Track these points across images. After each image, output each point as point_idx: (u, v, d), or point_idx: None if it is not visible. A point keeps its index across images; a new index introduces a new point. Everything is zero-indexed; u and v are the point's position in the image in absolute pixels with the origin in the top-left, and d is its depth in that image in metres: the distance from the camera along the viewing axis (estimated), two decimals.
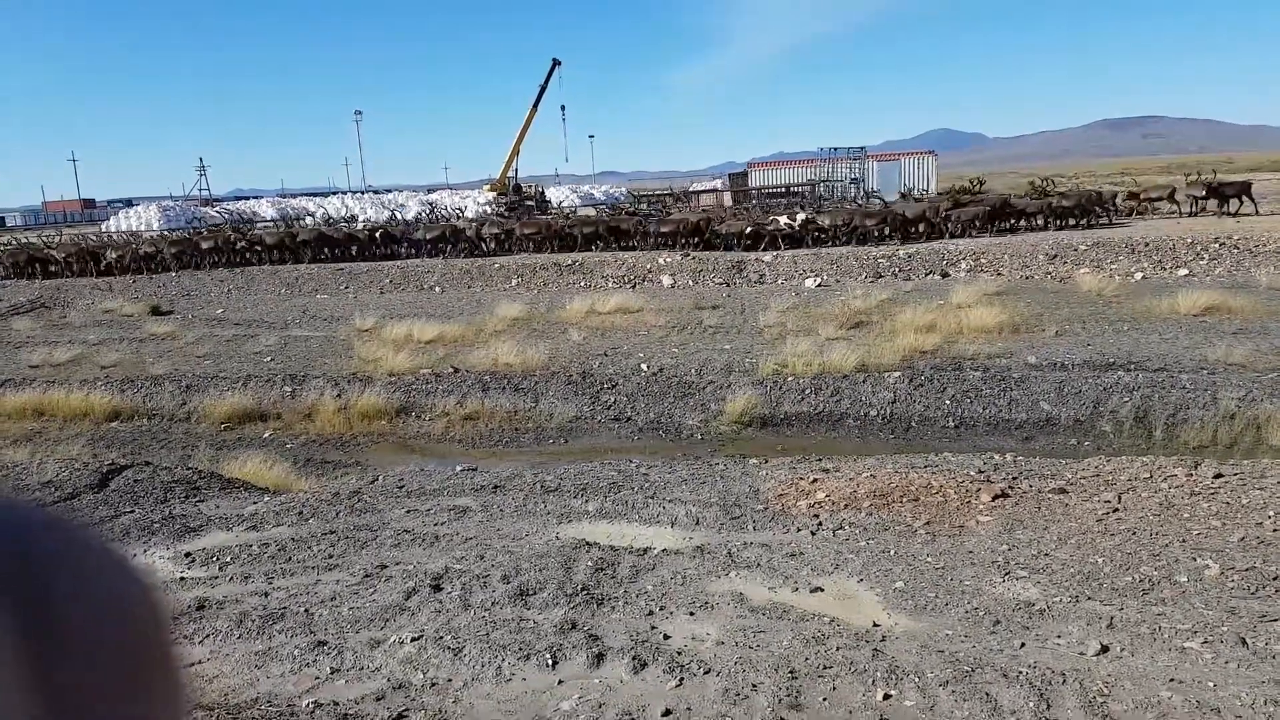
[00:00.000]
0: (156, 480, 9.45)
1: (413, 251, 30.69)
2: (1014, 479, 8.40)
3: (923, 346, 15.67)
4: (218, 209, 66.44)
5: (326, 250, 31.30)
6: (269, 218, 56.65)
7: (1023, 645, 5.17)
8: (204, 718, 4.52)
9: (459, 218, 39.78)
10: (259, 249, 31.81)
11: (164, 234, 40.87)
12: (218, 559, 7.09)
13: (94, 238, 40.71)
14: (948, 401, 13.53)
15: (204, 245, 31.54)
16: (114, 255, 31.64)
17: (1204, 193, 28.59)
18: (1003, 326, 16.68)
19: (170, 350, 19.56)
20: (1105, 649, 5.07)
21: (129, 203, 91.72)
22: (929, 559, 6.53)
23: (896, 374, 14.28)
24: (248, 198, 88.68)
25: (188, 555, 7.24)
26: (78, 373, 17.48)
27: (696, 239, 28.03)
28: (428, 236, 31.11)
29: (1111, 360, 14.27)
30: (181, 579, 6.73)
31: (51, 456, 11.02)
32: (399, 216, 45.02)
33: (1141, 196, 30.36)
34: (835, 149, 48.63)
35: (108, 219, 64.64)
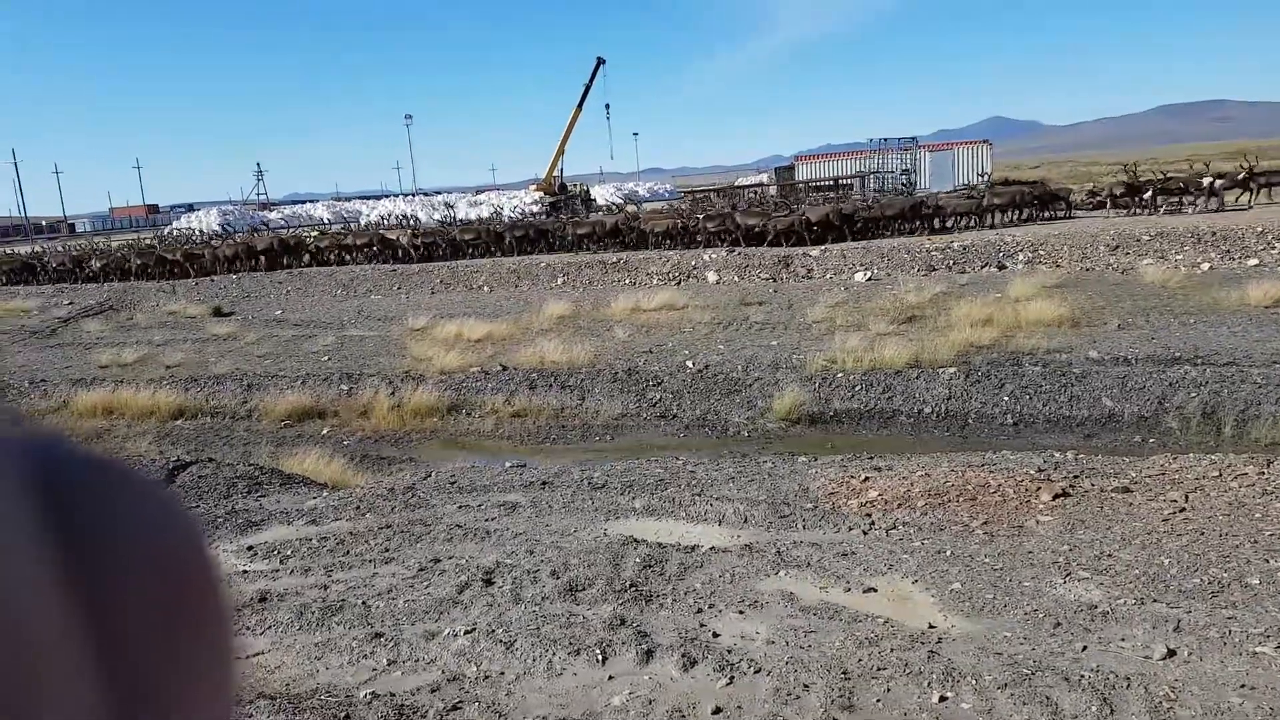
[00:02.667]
0: (220, 476, 9.74)
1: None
2: (1075, 477, 8.19)
3: (979, 341, 15.34)
4: (276, 212, 68.09)
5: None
6: (324, 220, 57.85)
7: (1085, 648, 5.04)
8: (267, 707, 4.64)
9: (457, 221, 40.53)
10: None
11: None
12: (279, 552, 7.28)
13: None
14: (1005, 398, 13.24)
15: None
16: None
17: (1241, 177, 27.49)
18: (1062, 320, 16.20)
19: (232, 350, 20.10)
20: (1172, 653, 4.92)
21: (190, 207, 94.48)
22: (986, 559, 6.41)
23: (952, 370, 14.02)
24: (304, 201, 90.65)
25: (250, 549, 7.44)
26: (144, 372, 18.07)
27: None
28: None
29: (1177, 354, 13.79)
30: (244, 572, 6.93)
31: (121, 453, 11.41)
32: (452, 217, 45.62)
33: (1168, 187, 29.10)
34: (885, 140, 47.77)
35: (171, 223, 66.67)
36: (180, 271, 32.51)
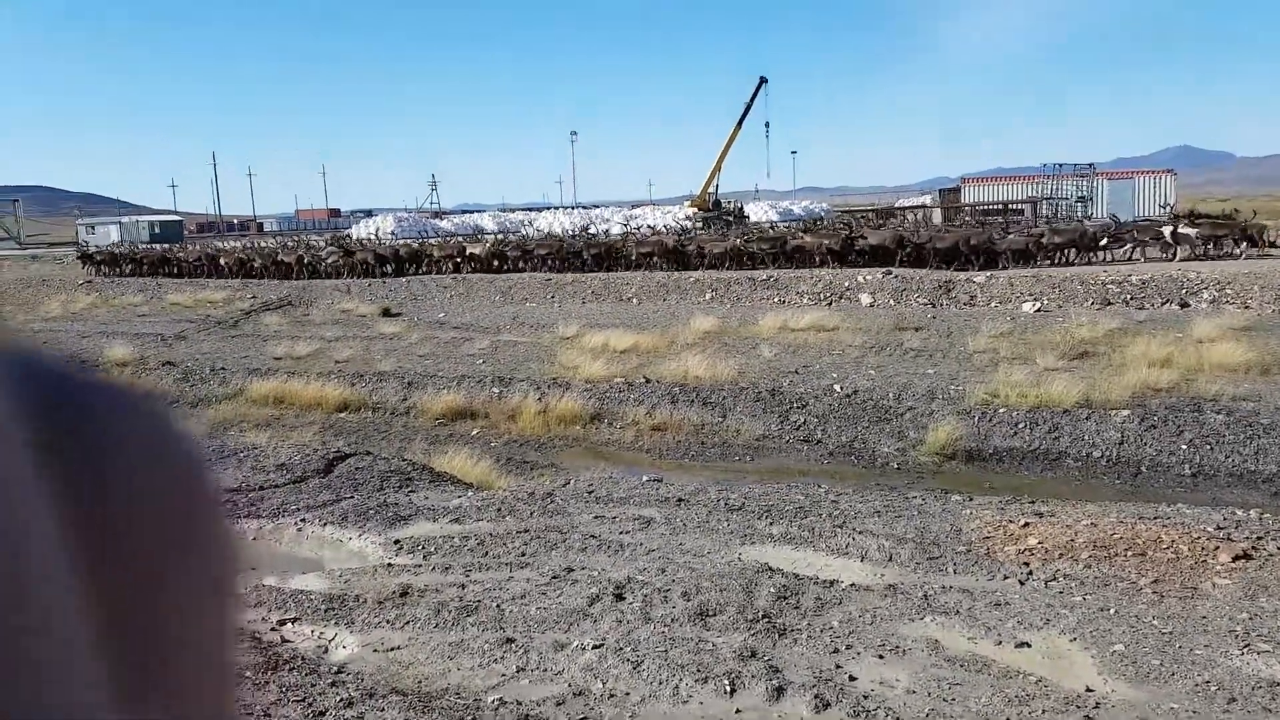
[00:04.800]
0: (375, 469, 10.25)
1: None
2: (1259, 538, 7.35)
3: (1156, 383, 14.15)
4: (447, 221, 71.86)
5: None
6: (491, 230, 60.57)
7: None
8: (398, 703, 4.79)
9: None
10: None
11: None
12: (423, 548, 7.56)
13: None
14: (1184, 446, 12.10)
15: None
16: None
17: None
18: (1251, 365, 14.79)
19: (396, 349, 21.27)
20: None
21: (369, 213, 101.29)
22: (1155, 622, 5.82)
23: (1125, 412, 12.94)
24: (472, 211, 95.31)
25: (397, 542, 7.77)
26: (315, 366, 19.40)
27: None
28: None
29: None
30: (389, 565, 7.23)
31: (286, 441, 12.26)
32: (605, 231, 46.71)
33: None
34: (1060, 165, 45.14)
35: (350, 226, 71.65)
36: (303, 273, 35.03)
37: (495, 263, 32.83)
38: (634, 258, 30.85)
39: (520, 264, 32.55)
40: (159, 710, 0.33)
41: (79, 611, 0.29)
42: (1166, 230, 26.72)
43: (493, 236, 43.78)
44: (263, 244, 44.23)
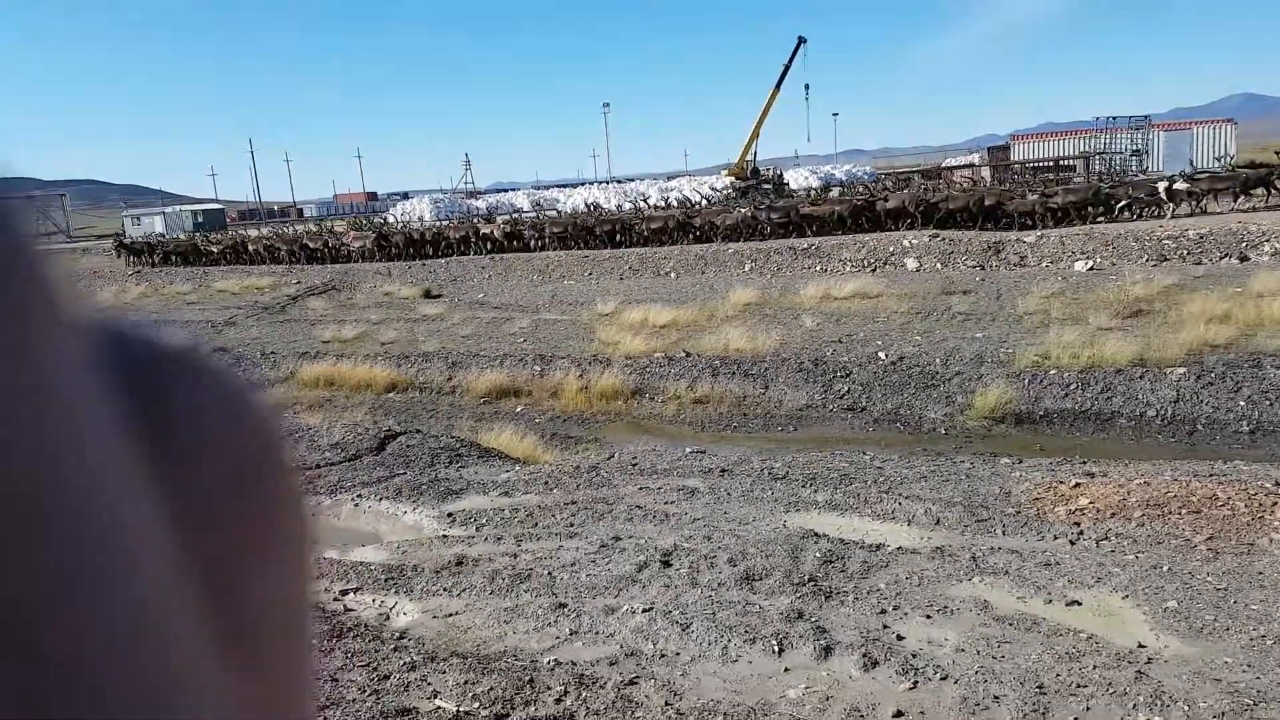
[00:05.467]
0: (425, 446, 10.49)
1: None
2: None
3: (1214, 340, 13.77)
4: (481, 200, 72.27)
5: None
6: (525, 208, 60.75)
7: None
8: (459, 665, 4.96)
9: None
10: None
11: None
12: (475, 520, 7.75)
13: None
14: (1242, 403, 11.81)
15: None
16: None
17: None
18: None
19: (439, 330, 21.57)
20: None
21: (405, 195, 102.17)
22: (1209, 578, 5.76)
23: (1181, 370, 12.65)
24: (507, 189, 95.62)
25: (449, 515, 7.97)
26: (362, 348, 19.78)
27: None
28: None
29: None
30: (444, 536, 7.43)
31: (339, 422, 12.57)
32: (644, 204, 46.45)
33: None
34: (1114, 118, 43.73)
35: (388, 210, 72.42)
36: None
37: (508, 242, 33.09)
38: (645, 234, 30.81)
39: (532, 243, 32.68)
40: (247, 676, 0.33)
41: (179, 581, 0.29)
42: (1161, 187, 25.99)
43: (507, 216, 43.95)
44: (286, 230, 45.05)
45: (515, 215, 43.47)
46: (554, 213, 46.54)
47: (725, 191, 50.68)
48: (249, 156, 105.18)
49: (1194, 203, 25.09)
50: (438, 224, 39.58)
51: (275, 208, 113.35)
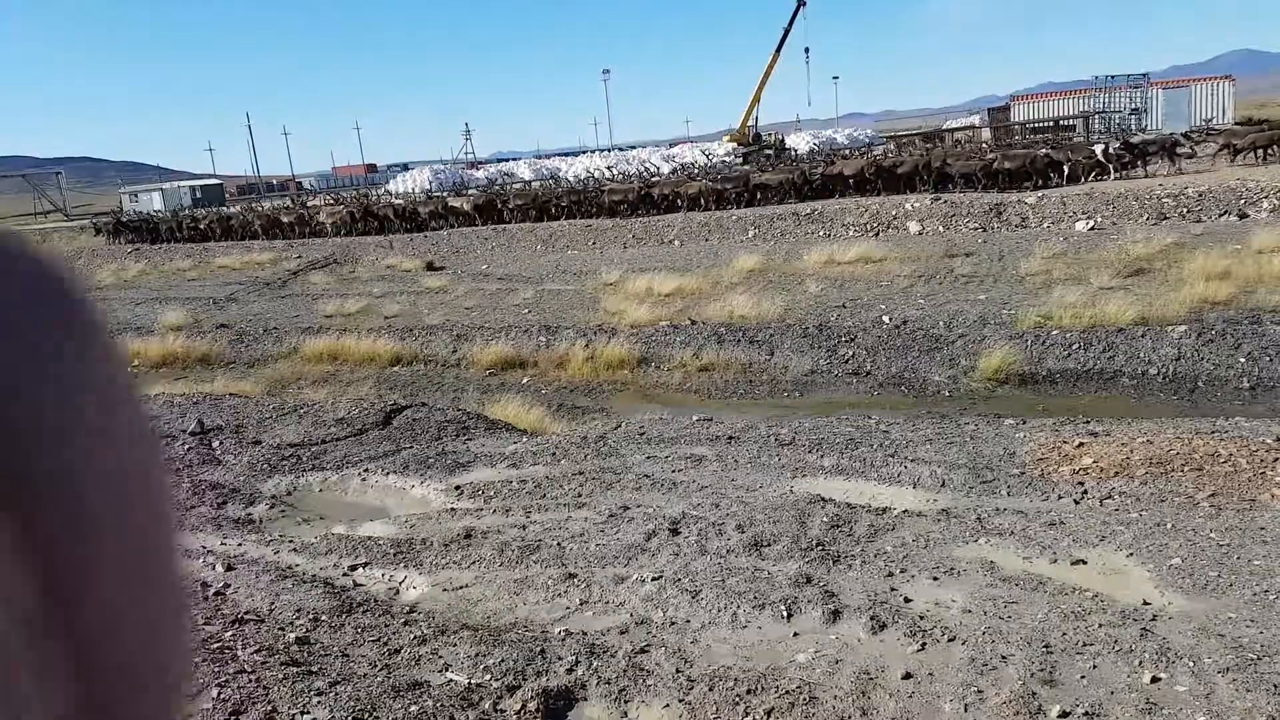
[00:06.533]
0: (431, 420, 10.53)
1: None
2: None
3: (1214, 297, 13.80)
4: (482, 171, 71.69)
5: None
6: (526, 178, 60.29)
7: None
8: (470, 638, 5.03)
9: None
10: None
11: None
12: (483, 493, 7.81)
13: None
14: (1243, 359, 11.81)
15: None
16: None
17: None
18: None
19: (443, 302, 21.55)
20: None
21: (405, 166, 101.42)
22: (1212, 535, 5.81)
23: (1182, 328, 12.64)
24: (507, 159, 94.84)
25: (457, 488, 8.03)
26: (365, 322, 19.77)
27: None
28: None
29: None
30: (452, 510, 7.49)
31: (344, 396, 12.61)
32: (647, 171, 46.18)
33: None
34: (1112, 77, 43.24)
35: (388, 182, 71.94)
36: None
37: (479, 216, 33.61)
38: (606, 205, 31.49)
39: (503, 216, 33.27)
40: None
41: None
42: (1098, 149, 26.41)
43: (478, 190, 44.15)
44: (261, 207, 45.46)
45: (490, 188, 43.63)
46: (551, 183, 46.39)
47: (729, 157, 50.32)
48: (246, 130, 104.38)
49: (1131, 165, 25.64)
50: (411, 199, 39.98)
51: (274, 181, 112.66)
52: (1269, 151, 25.69)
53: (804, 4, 55.10)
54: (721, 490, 7.39)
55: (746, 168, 35.75)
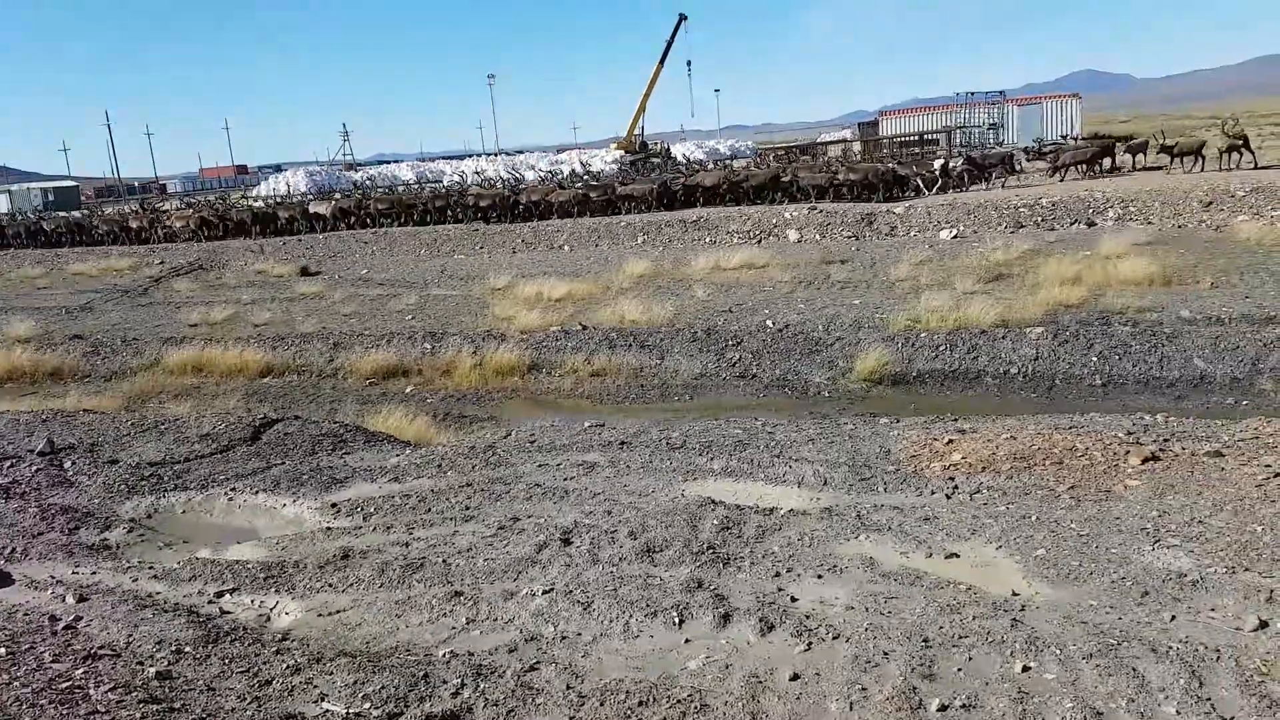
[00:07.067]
0: (305, 433, 10.05)
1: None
2: (1165, 441, 7.83)
3: (1068, 300, 14.86)
4: (361, 173, 69.48)
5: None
6: (408, 180, 58.82)
7: (1173, 618, 4.83)
8: (346, 665, 4.78)
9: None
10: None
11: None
12: (362, 509, 7.49)
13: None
14: (1094, 358, 12.71)
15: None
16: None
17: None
18: (1154, 279, 15.67)
19: (318, 309, 20.71)
20: (1264, 624, 4.68)
21: (278, 168, 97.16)
22: (1073, 525, 6.18)
23: (1039, 329, 13.49)
24: (389, 162, 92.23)
25: (334, 506, 7.68)
26: (233, 331, 18.78)
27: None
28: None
29: (1273, 314, 13.20)
30: (328, 529, 7.15)
31: (209, 410, 11.90)
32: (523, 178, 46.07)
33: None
34: (972, 94, 45.96)
35: (259, 184, 68.75)
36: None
37: (342, 220, 33.18)
38: (471, 211, 31.69)
39: (365, 221, 33.04)
40: None
41: None
42: (938, 164, 28.97)
43: (340, 194, 43.56)
44: (103, 211, 44.04)
45: (358, 193, 43.13)
46: (417, 187, 46.05)
47: (616, 164, 50.66)
48: (105, 130, 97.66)
49: (963, 181, 27.91)
50: (269, 204, 39.07)
51: (135, 184, 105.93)
52: (1090, 166, 28.05)
53: (685, 18, 56.23)
54: (614, 497, 7.35)
55: (612, 177, 37.10)
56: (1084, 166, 28.13)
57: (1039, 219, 21.94)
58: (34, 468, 8.80)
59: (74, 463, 9.06)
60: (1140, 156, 29.32)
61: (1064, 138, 40.73)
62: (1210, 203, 20.59)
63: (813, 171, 30.64)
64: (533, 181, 40.86)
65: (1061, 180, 27.29)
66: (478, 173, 50.32)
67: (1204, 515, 6.14)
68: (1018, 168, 30.43)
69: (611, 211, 29.81)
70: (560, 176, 42.46)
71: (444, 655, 4.91)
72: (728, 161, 51.47)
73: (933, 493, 7.04)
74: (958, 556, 5.88)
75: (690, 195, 29.93)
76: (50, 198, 72.95)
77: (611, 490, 7.56)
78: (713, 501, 7.05)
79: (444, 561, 6.19)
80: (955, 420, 9.65)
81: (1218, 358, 12.23)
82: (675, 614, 5.18)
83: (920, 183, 27.37)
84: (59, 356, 17.42)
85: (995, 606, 5.08)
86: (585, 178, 39.70)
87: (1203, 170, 25.73)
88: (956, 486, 7.12)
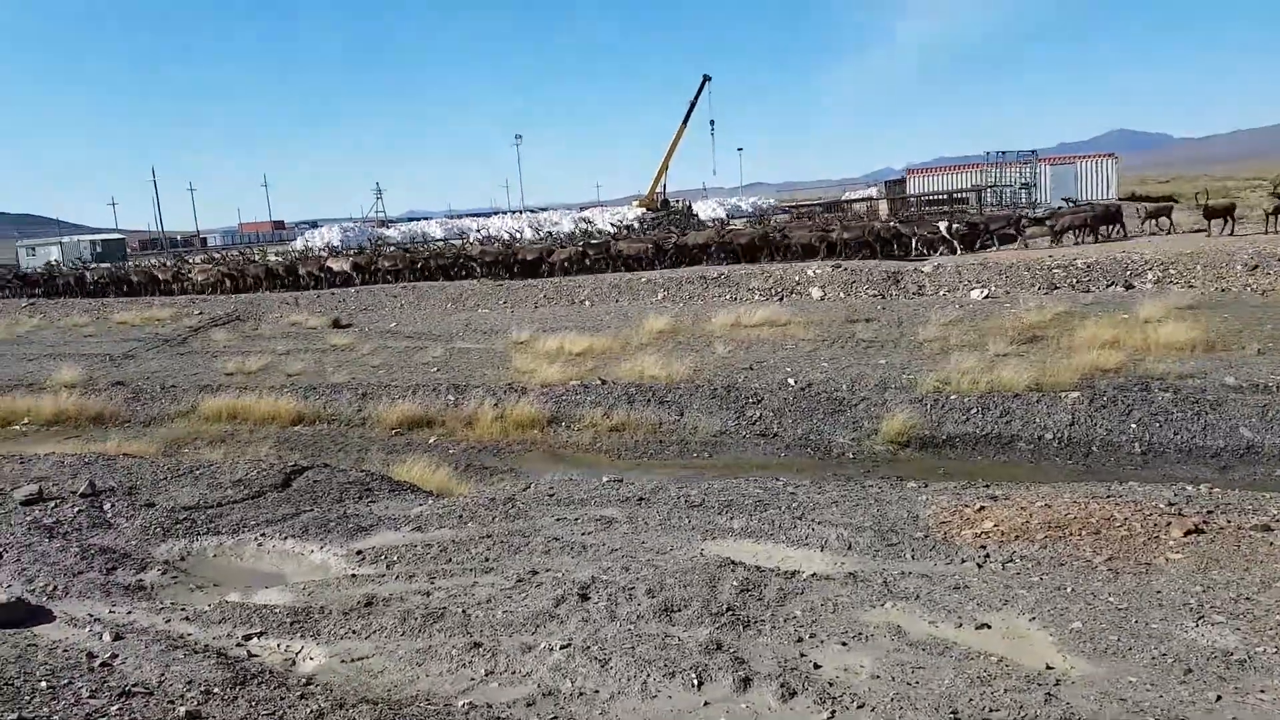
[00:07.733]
0: (334, 481, 10.10)
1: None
2: (1209, 513, 7.57)
3: (1105, 364, 14.56)
4: (394, 229, 70.94)
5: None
6: (438, 237, 59.97)
7: (1219, 698, 4.63)
8: (368, 712, 4.73)
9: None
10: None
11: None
12: (385, 558, 7.49)
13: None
14: (1133, 425, 12.47)
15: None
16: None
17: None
18: (1195, 344, 15.20)
19: (348, 360, 20.96)
20: None
21: (314, 224, 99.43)
22: (1110, 598, 5.98)
23: (1075, 394, 13.29)
24: (419, 219, 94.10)
25: (359, 553, 7.68)
26: (267, 380, 19.03)
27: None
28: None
29: None
30: (352, 576, 7.14)
31: (243, 457, 12.01)
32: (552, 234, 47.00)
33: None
34: (1003, 153, 46.13)
35: (295, 239, 70.34)
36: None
37: (356, 275, 34.39)
38: (480, 267, 32.88)
39: (382, 277, 34.12)
40: None
41: None
42: (942, 226, 28.95)
43: (354, 250, 45.43)
44: (139, 264, 46.98)
45: (376, 249, 45.02)
46: (422, 245, 48.02)
47: (638, 221, 51.40)
48: (151, 185, 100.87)
49: (974, 242, 28.02)
50: (294, 259, 40.76)
51: (178, 237, 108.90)
52: (1090, 232, 27.92)
53: (709, 79, 57.55)
54: (632, 553, 7.28)
55: (611, 236, 38.19)
56: (1082, 231, 27.89)
57: (1074, 280, 21.74)
58: (76, 509, 8.96)
59: (113, 505, 9.20)
60: (1165, 220, 29.09)
61: (1083, 201, 40.64)
62: (1255, 266, 20.24)
63: (806, 230, 31.14)
64: (528, 241, 42.42)
65: (1059, 245, 27.24)
66: (509, 232, 51.72)
67: (1251, 592, 5.91)
68: (1017, 233, 29.85)
69: (611, 269, 30.60)
70: (560, 235, 43.74)
71: (463, 706, 4.85)
72: (760, 218, 52.27)
73: (963, 561, 6.88)
74: (989, 627, 5.71)
75: (680, 254, 30.63)
76: (98, 249, 75.08)
77: (629, 547, 7.49)
78: (732, 562, 6.94)
79: (464, 612, 6.14)
80: (987, 486, 9.44)
81: (1265, 427, 11.90)
82: (694, 675, 5.08)
83: (916, 244, 27.45)
84: (102, 401, 17.84)
85: (1028, 680, 4.92)
86: (585, 236, 40.60)
87: (1232, 233, 25.51)
88: (988, 555, 6.95)
